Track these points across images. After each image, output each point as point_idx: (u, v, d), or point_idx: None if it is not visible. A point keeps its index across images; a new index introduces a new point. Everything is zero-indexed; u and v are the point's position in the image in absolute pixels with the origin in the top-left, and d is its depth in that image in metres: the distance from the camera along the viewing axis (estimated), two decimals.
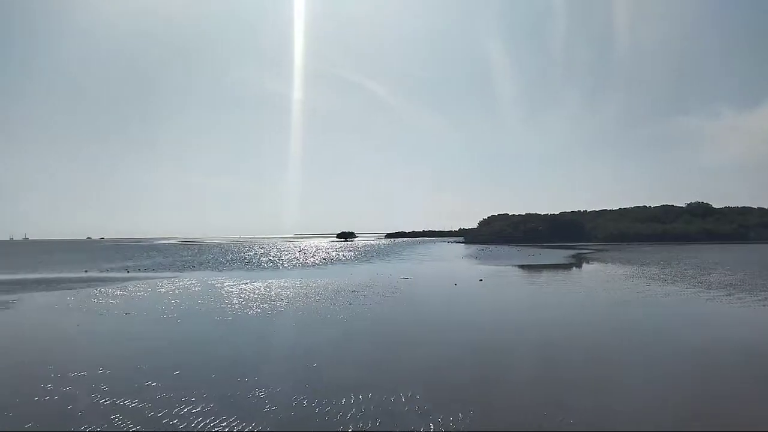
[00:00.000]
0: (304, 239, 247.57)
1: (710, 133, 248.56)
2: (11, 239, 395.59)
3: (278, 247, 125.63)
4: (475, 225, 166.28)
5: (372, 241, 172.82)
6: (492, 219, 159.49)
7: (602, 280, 33.36)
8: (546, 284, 32.35)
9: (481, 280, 33.62)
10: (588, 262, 52.70)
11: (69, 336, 16.60)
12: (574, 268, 45.46)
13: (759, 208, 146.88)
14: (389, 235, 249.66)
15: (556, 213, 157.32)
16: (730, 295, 24.60)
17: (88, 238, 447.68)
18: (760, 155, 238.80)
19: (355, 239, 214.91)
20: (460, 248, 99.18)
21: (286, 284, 31.76)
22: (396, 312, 20.58)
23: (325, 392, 10.07)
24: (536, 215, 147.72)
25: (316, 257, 70.05)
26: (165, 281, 34.90)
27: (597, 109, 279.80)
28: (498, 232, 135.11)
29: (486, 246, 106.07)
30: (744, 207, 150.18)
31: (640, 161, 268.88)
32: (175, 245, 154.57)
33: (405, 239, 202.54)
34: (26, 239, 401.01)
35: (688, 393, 10.13)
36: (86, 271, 45.96)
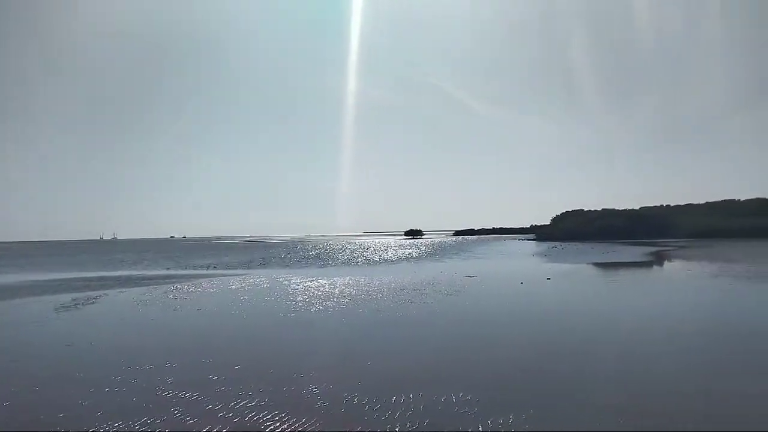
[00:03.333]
0: (372, 237, 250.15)
1: None
2: (101, 238, 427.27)
3: (345, 244, 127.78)
4: (548, 222, 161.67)
5: (440, 239, 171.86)
6: (566, 215, 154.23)
7: (678, 279, 31.36)
8: (619, 283, 30.83)
9: (549, 278, 32.52)
10: (669, 260, 49.67)
11: (143, 330, 17.67)
12: (654, 266, 42.95)
13: None
14: (458, 233, 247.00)
15: (635, 208, 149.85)
16: None
17: (172, 237, 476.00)
18: None
19: (423, 237, 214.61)
20: (531, 246, 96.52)
21: (350, 281, 32.25)
22: (456, 311, 20.31)
23: (376, 390, 10.08)
24: (613, 210, 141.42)
25: (382, 255, 70.62)
26: (236, 278, 36.46)
27: (684, 101, 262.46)
28: (572, 229, 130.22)
29: (558, 243, 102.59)
30: None
31: (729, 152, 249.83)
32: (246, 243, 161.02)
33: (474, 237, 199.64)
34: (115, 238, 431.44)
35: None
36: (168, 269, 48.94)
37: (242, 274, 39.95)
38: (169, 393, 10.18)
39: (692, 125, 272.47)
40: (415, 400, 9.46)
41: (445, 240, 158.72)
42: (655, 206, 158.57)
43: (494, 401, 9.36)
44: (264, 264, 53.37)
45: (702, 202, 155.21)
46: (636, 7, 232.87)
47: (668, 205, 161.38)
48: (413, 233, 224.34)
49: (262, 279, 35.50)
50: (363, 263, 52.42)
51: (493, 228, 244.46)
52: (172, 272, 44.69)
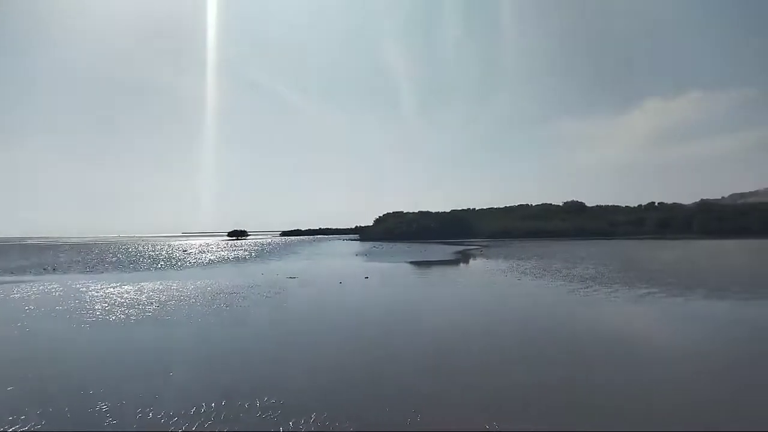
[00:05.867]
0: (192, 238, 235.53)
1: (586, 136, 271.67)
2: None
3: (162, 246, 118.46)
4: (371, 223, 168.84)
5: (265, 240, 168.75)
6: (387, 216, 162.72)
7: (480, 275, 35.22)
8: (428, 280, 33.43)
9: (366, 277, 33.98)
10: (473, 258, 55.36)
11: None
12: (460, 264, 47.44)
13: (625, 207, 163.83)
14: (284, 233, 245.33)
15: (447, 211, 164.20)
16: (587, 287, 26.89)
17: None
18: (627, 157, 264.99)
19: (248, 238, 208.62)
20: (354, 246, 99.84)
21: (160, 287, 29.87)
22: (272, 313, 20.13)
23: (176, 404, 9.50)
24: (428, 213, 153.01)
25: (201, 257, 66.90)
26: (24, 285, 31.42)
27: (487, 111, 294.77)
28: (392, 230, 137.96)
29: (379, 243, 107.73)
30: (613, 205, 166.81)
31: (525, 161, 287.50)
32: (58, 245, 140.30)
33: (300, 237, 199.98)
34: None
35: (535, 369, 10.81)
36: None
37: (31, 281, 34.54)
38: None
39: (494, 137, 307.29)
40: (217, 409, 9.14)
41: (270, 241, 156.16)
42: (464, 209, 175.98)
43: (303, 403, 9.45)
44: (65, 268, 46.83)
45: (502, 206, 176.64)
46: (445, 32, 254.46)
47: (474, 209, 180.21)
48: (237, 234, 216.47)
49: (56, 286, 31.06)
50: (179, 266, 49.00)
51: (320, 228, 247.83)
52: None
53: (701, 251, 59.09)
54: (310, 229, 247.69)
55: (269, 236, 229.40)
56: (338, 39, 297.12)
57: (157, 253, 79.64)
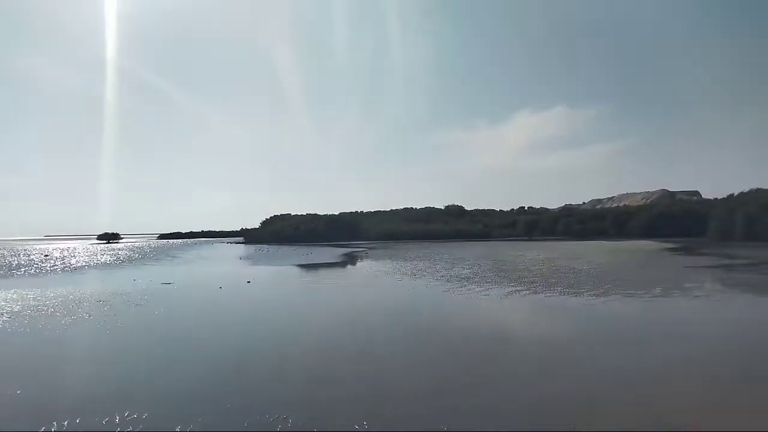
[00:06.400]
0: (57, 242, 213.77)
1: (467, 144, 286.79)
2: None
3: (20, 250, 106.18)
4: (258, 225, 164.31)
5: (141, 243, 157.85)
6: (274, 219, 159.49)
7: (364, 276, 36.02)
8: (312, 282, 33.52)
9: (249, 281, 33.24)
10: (359, 260, 56.26)
11: None
12: (346, 266, 48.06)
13: (500, 210, 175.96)
14: (163, 236, 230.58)
15: (335, 213, 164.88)
16: (462, 286, 28.56)
17: None
18: (503, 165, 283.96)
19: (121, 241, 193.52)
20: (239, 249, 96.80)
21: (14, 296, 26.89)
22: (141, 322, 19.07)
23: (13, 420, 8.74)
24: (317, 215, 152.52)
25: (65, 262, 60.98)
26: None
27: (375, 118, 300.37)
28: (279, 232, 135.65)
29: (265, 246, 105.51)
30: (489, 209, 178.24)
31: (411, 167, 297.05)
32: None
33: (180, 241, 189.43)
34: None
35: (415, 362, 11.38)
36: None
37: None
38: None
39: (383, 143, 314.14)
40: (70, 426, 8.56)
41: (147, 244, 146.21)
42: (352, 212, 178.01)
43: (159, 416, 9.14)
44: None
45: (388, 209, 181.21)
46: (337, 30, 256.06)
47: (362, 212, 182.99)
48: (108, 237, 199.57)
49: None
50: (39, 273, 44.29)
51: (203, 231, 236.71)
52: None
53: (562, 252, 65.05)
54: (191, 232, 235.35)
55: (146, 239, 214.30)
56: (229, 40, 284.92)
57: (12, 258, 71.24)
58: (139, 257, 71.03)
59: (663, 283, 28.19)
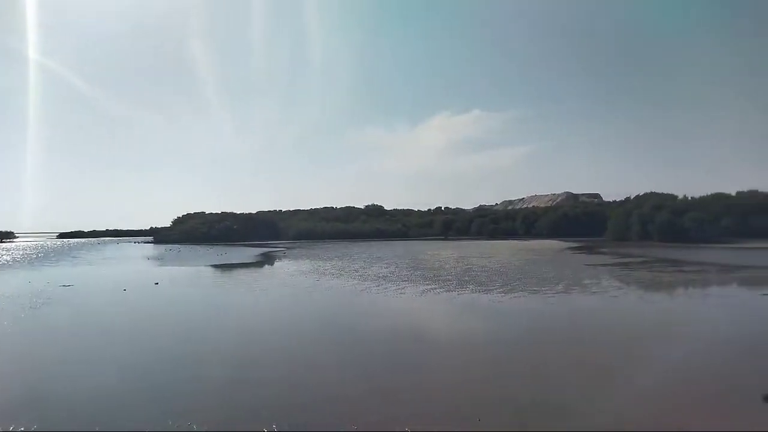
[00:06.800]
0: None
1: (388, 144, 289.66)
2: None
3: None
4: (169, 224, 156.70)
5: (38, 243, 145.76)
6: (187, 217, 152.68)
7: (281, 276, 35.51)
8: (225, 283, 32.54)
9: (156, 283, 31.68)
10: (277, 260, 55.29)
11: None
12: (264, 266, 47.11)
13: (418, 210, 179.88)
14: (63, 235, 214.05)
15: (252, 212, 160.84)
16: (379, 285, 28.91)
17: None
18: (421, 166, 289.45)
19: (15, 240, 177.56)
20: (147, 249, 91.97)
21: None
22: (36, 328, 17.67)
23: None
24: (232, 214, 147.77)
25: None
26: None
27: (294, 116, 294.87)
28: (192, 232, 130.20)
29: (176, 246, 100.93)
30: (407, 209, 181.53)
31: (331, 166, 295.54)
32: None
33: (84, 240, 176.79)
34: None
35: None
36: None
37: None
38: None
39: (303, 141, 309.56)
40: None
41: (45, 244, 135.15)
42: (270, 211, 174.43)
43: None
44: None
45: (308, 208, 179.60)
46: (254, 26, 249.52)
47: (280, 210, 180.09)
48: (0, 236, 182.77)
49: None
50: None
51: (108, 230, 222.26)
52: None
53: (475, 251, 67.57)
54: (94, 231, 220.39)
55: (45, 239, 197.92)
56: (144, 35, 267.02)
57: None
58: (38, 257, 65.54)
59: (565, 281, 30.09)
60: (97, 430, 8.13)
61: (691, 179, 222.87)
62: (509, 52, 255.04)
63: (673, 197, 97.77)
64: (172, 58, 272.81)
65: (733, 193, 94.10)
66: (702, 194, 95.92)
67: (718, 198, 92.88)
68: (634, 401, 9.57)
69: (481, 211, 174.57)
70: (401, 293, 25.70)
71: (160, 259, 59.63)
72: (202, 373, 12.03)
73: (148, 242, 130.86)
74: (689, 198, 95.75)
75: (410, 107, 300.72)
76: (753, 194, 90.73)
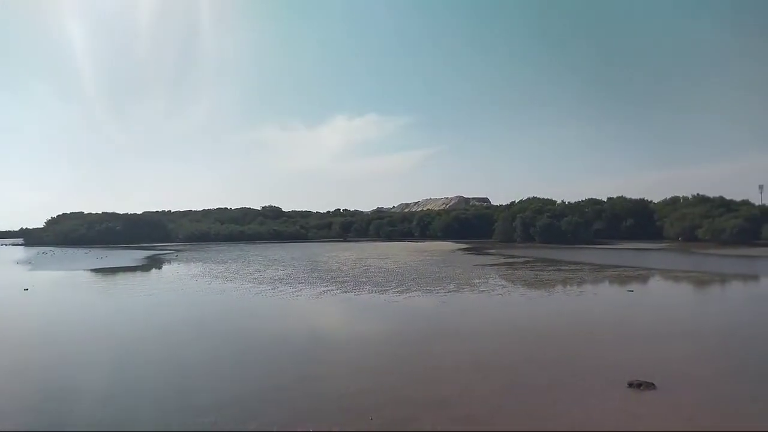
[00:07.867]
0: None
1: (285, 144, 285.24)
2: None
3: None
4: (41, 224, 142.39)
5: None
6: (63, 218, 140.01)
7: (169, 281, 33.77)
8: (106, 290, 30.35)
9: (26, 289, 28.81)
10: (165, 263, 52.47)
11: None
12: (151, 270, 44.56)
13: (317, 212, 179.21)
14: None
15: (138, 213, 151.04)
16: (275, 288, 28.49)
17: None
18: (320, 167, 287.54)
19: None
20: (16, 251, 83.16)
21: None
22: None
23: None
24: (115, 214, 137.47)
25: None
26: None
27: (184, 115, 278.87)
28: (68, 233, 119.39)
29: (50, 248, 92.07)
30: (306, 211, 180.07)
31: (225, 166, 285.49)
32: None
33: None
34: None
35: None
36: None
37: None
38: None
39: (193, 138, 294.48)
40: None
41: None
42: (158, 211, 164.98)
43: None
44: None
45: (200, 209, 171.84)
46: (141, 13, 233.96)
47: (170, 211, 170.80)
48: None
49: None
50: None
51: None
52: None
53: (373, 252, 68.70)
54: None
55: None
56: (12, 15, 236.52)
57: None
58: None
59: (456, 280, 31.55)
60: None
61: (567, 185, 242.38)
62: (406, 55, 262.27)
63: (552, 202, 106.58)
64: (42, 39, 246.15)
65: (605, 199, 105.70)
66: (577, 200, 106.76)
67: (592, 203, 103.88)
68: (504, 389, 10.32)
69: (379, 214, 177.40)
70: (298, 295, 25.50)
71: (30, 263, 54.27)
72: (70, 385, 11.18)
73: (18, 244, 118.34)
74: (566, 203, 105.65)
75: (306, 108, 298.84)
76: (621, 200, 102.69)
